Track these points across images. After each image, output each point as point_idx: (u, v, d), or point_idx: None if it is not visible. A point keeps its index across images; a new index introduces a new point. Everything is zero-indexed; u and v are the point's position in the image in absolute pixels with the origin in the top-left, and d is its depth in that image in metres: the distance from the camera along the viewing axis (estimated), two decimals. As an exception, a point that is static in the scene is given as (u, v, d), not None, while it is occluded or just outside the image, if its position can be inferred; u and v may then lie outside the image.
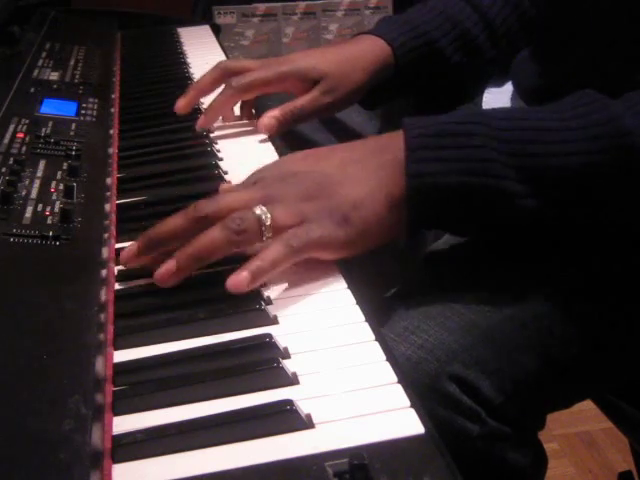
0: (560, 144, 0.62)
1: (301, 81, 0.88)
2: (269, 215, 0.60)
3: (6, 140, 0.77)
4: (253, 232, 0.60)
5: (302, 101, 0.87)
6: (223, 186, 0.70)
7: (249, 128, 0.94)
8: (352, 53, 0.90)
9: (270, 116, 0.87)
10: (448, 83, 1.00)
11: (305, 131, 1.02)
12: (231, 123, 0.95)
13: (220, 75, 0.90)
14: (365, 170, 0.64)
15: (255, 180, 0.66)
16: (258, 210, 0.60)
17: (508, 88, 1.05)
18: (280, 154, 0.84)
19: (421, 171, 0.62)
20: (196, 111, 0.97)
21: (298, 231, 0.60)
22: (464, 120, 0.64)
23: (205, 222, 0.61)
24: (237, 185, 0.68)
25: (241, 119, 0.94)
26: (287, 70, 0.88)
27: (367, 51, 0.90)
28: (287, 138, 0.96)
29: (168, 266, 0.60)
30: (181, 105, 0.91)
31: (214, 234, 0.60)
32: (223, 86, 0.90)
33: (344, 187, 0.63)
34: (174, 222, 0.62)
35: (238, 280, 0.58)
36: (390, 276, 0.80)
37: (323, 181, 0.63)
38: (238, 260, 0.61)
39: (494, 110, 0.68)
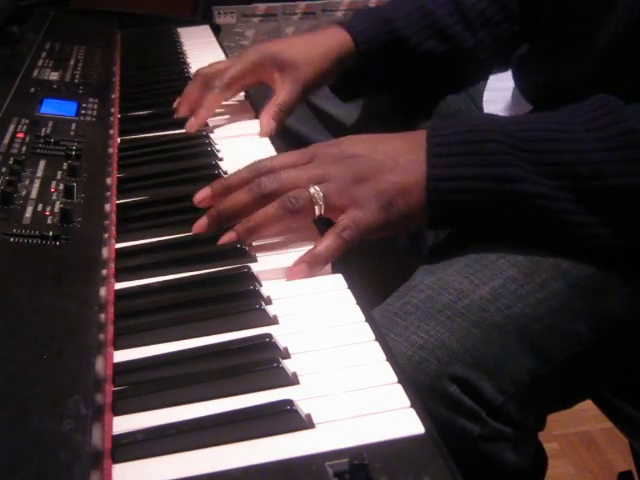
0: (571, 142, 0.67)
1: (271, 67, 0.93)
2: (322, 195, 0.67)
3: (6, 140, 0.77)
4: (306, 210, 0.67)
5: (283, 97, 0.92)
6: (279, 158, 0.73)
7: (249, 128, 0.94)
8: (316, 41, 0.95)
9: (266, 120, 0.90)
10: (427, 74, 1.00)
11: (302, 130, 1.03)
12: (230, 124, 0.95)
13: (202, 82, 0.94)
14: (416, 161, 0.69)
15: (312, 156, 0.71)
16: (312, 190, 0.67)
17: (509, 86, 1.04)
18: (279, 153, 0.85)
19: (438, 176, 0.68)
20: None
21: (347, 222, 0.67)
22: (480, 129, 0.69)
23: (267, 198, 0.67)
24: (293, 155, 0.72)
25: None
26: (257, 59, 0.93)
27: (329, 39, 0.94)
28: (285, 137, 0.97)
29: (229, 238, 0.67)
30: (185, 121, 0.93)
31: (271, 211, 0.67)
32: None
33: (394, 174, 0.68)
34: (240, 198, 0.69)
35: (298, 269, 0.64)
36: (390, 276, 0.80)
37: (375, 166, 0.69)
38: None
39: (505, 118, 0.72)
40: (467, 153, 0.68)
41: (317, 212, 0.67)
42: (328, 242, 0.66)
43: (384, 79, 1.00)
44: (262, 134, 0.90)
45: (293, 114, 1.01)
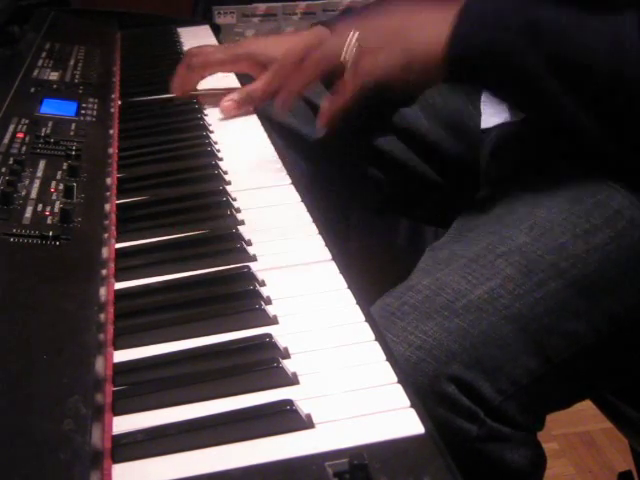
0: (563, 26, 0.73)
1: (253, 63, 0.97)
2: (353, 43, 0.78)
3: (6, 140, 0.77)
4: (337, 56, 0.79)
5: (256, 85, 0.95)
6: None
7: (249, 129, 0.94)
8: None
9: (228, 99, 0.97)
10: None
11: (303, 129, 1.03)
12: (231, 125, 0.95)
13: (186, 62, 1.01)
14: (427, 29, 0.78)
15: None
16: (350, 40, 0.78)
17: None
18: (280, 154, 0.85)
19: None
20: (196, 111, 0.98)
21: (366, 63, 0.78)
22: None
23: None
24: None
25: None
26: (240, 53, 0.98)
27: (313, 38, 0.96)
28: (285, 136, 0.97)
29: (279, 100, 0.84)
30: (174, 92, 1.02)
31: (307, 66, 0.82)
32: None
33: (410, 35, 0.78)
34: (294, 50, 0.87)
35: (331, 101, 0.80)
36: (390, 276, 0.80)
37: (399, 27, 0.80)
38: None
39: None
40: (483, 23, 0.74)
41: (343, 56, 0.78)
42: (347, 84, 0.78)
43: None
44: (220, 111, 0.97)
45: (292, 113, 1.02)
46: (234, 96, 0.97)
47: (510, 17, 0.74)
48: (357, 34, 0.78)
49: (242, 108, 0.97)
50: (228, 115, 0.96)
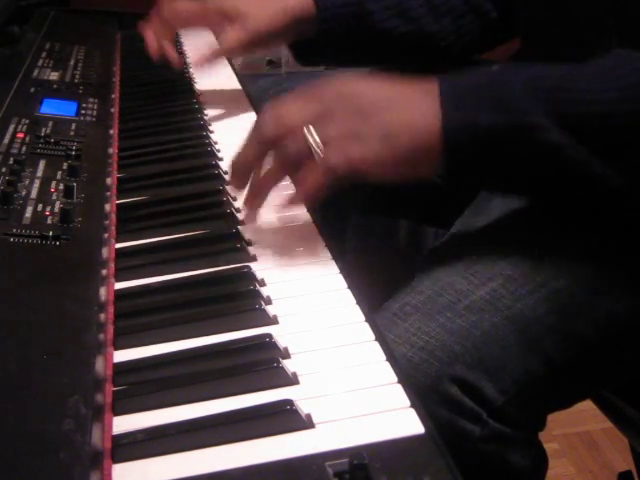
0: (585, 92, 0.63)
1: (222, 18, 0.97)
2: (317, 138, 0.65)
3: (6, 140, 0.77)
4: (305, 155, 0.65)
5: (226, 38, 0.95)
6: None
7: (249, 129, 0.94)
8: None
9: (201, 55, 0.98)
10: (387, 54, 1.00)
11: None
12: (231, 125, 0.95)
13: (158, 17, 1.02)
14: (425, 102, 0.65)
15: (313, 94, 0.68)
16: (308, 134, 0.65)
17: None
18: None
19: (452, 120, 0.64)
20: (196, 111, 0.97)
21: (339, 154, 0.64)
22: (494, 73, 0.68)
23: (270, 144, 0.68)
24: (297, 97, 0.69)
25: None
26: (211, 7, 0.98)
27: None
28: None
29: (246, 203, 0.71)
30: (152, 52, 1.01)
31: (270, 175, 0.69)
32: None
33: (390, 113, 0.65)
34: (246, 152, 0.70)
35: (291, 202, 0.69)
36: (390, 276, 0.80)
37: (372, 104, 0.66)
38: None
39: (529, 68, 0.68)
40: (483, 97, 0.64)
41: (318, 156, 0.64)
42: (313, 178, 0.65)
43: (342, 51, 1.00)
44: (193, 64, 0.98)
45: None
46: (205, 52, 0.97)
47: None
48: (312, 130, 0.65)
49: (214, 62, 0.98)
50: (199, 66, 0.98)
